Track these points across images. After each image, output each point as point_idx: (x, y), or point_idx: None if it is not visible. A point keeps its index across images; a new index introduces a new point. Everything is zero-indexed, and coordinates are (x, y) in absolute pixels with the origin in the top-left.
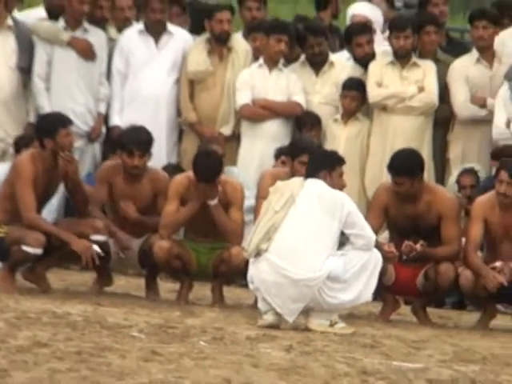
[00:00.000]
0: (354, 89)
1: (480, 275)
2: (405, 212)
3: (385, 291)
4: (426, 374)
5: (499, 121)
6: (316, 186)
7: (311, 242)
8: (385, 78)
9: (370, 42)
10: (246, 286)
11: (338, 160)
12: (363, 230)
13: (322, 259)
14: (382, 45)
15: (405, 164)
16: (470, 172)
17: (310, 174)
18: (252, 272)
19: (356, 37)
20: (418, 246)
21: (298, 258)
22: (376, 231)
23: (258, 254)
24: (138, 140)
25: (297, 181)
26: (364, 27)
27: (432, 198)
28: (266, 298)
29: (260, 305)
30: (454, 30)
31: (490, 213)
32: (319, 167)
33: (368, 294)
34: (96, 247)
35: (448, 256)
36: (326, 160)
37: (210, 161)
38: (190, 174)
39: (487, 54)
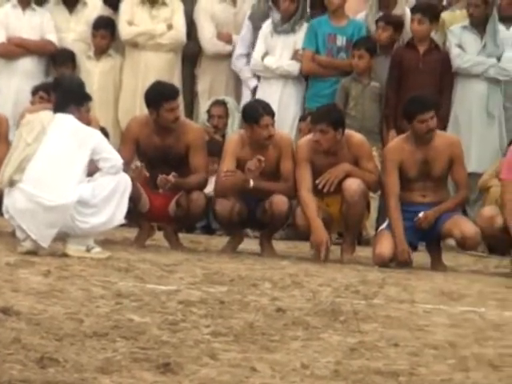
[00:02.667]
0: (103, 27)
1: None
2: (155, 144)
3: (140, 218)
4: (177, 296)
5: (256, 54)
6: (66, 120)
7: (62, 171)
8: (135, 17)
9: None
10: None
11: (85, 96)
12: (110, 154)
13: (73, 186)
14: None
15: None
16: (221, 103)
17: (59, 108)
18: (7, 202)
19: None
20: (171, 178)
21: (50, 186)
22: (128, 161)
23: (12, 184)
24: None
25: (47, 114)
26: None
27: (181, 130)
28: (22, 226)
29: (18, 233)
30: None
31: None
32: (68, 102)
33: (120, 217)
34: None
35: (196, 184)
36: (75, 96)
37: None
38: None
39: None
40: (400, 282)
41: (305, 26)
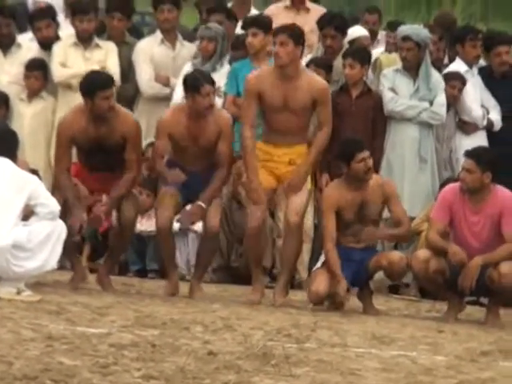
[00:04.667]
0: (36, 69)
1: None
2: (90, 135)
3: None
4: (108, 339)
5: (176, 95)
6: (3, 164)
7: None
8: (69, 59)
9: (50, 25)
10: None
11: (17, 143)
12: (48, 200)
13: (8, 230)
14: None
15: None
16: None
17: None
18: None
19: (36, 22)
20: (103, 207)
21: None
22: (68, 168)
23: None
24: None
25: None
26: (44, 12)
27: (117, 119)
28: None
29: None
30: (137, 14)
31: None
32: (3, 148)
33: (53, 262)
34: None
35: (126, 190)
36: (8, 143)
37: None
38: None
39: (170, 35)
40: (332, 325)
41: (226, 65)
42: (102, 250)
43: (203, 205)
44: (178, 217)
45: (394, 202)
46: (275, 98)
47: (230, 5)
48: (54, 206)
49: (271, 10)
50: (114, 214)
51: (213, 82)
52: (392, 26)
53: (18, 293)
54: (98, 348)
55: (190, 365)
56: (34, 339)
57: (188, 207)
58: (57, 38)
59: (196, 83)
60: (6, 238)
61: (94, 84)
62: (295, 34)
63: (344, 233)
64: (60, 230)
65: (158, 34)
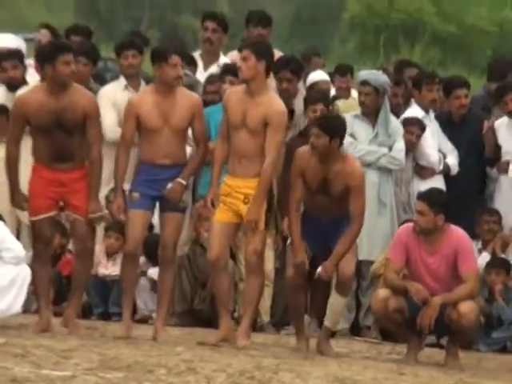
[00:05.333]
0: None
1: None
2: (49, 108)
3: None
4: (73, 382)
5: None
6: None
7: None
8: None
9: (17, 67)
10: None
11: None
12: (13, 244)
13: None
14: None
15: None
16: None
17: None
18: None
19: (3, 62)
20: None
21: None
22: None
23: None
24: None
25: None
26: (11, 53)
27: (76, 93)
28: None
29: None
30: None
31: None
32: None
33: (18, 306)
34: None
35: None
36: None
37: None
38: None
39: (134, 81)
40: (294, 368)
41: None
42: (66, 294)
43: (183, 182)
44: (165, 192)
45: (354, 196)
46: (236, 115)
47: (197, 52)
48: (19, 250)
49: (232, 56)
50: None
51: (181, 55)
52: (340, 71)
53: None
54: None
55: None
56: None
57: (169, 185)
58: (24, 81)
59: (164, 53)
60: None
61: (54, 48)
62: (258, 49)
63: (311, 202)
64: (25, 274)
65: (122, 80)
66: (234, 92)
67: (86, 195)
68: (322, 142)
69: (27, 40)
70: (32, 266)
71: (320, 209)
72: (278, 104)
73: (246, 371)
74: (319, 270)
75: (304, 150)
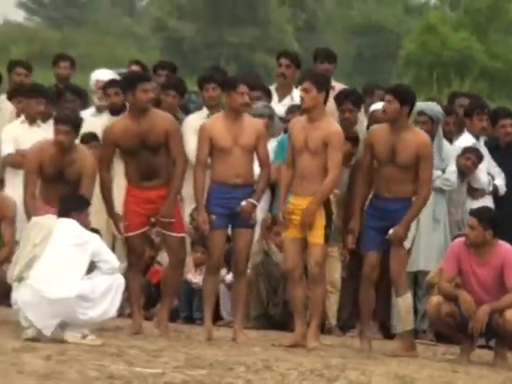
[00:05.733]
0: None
1: None
2: (133, 131)
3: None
4: (162, 378)
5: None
6: (68, 224)
7: (65, 270)
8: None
9: None
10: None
11: (85, 203)
12: (109, 257)
13: (74, 283)
14: None
15: None
16: None
17: (62, 214)
18: (15, 295)
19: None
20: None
21: (54, 282)
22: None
23: (20, 280)
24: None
25: (52, 218)
26: None
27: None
28: (27, 316)
29: (22, 322)
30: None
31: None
32: (70, 209)
33: (113, 311)
34: None
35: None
36: (76, 203)
37: None
38: None
39: (214, 111)
40: (359, 366)
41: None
42: (155, 300)
43: (255, 202)
44: (239, 209)
45: (423, 163)
46: (299, 140)
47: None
48: (114, 262)
49: None
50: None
51: (250, 86)
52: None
53: (83, 337)
54: None
55: None
56: (98, 378)
57: (243, 203)
58: (124, 107)
59: (233, 82)
60: (73, 290)
61: (134, 78)
62: (318, 81)
63: (379, 175)
64: (119, 283)
65: (205, 110)
66: (297, 121)
67: (175, 211)
68: (392, 108)
69: (120, 74)
70: (126, 275)
71: (387, 182)
72: (336, 126)
73: (316, 369)
74: (391, 231)
75: (376, 126)
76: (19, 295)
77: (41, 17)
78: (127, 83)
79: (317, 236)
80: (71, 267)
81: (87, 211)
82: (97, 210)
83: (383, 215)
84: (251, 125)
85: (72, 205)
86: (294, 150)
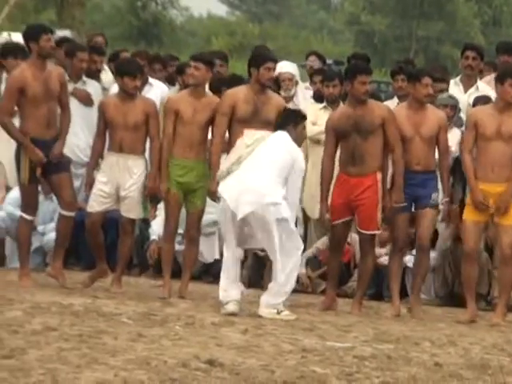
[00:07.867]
0: None
1: None
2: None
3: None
4: (352, 352)
5: None
6: (282, 136)
7: (267, 173)
8: (318, 119)
9: None
10: (211, 282)
11: (302, 117)
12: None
13: (276, 189)
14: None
15: None
16: None
17: (279, 126)
18: (221, 187)
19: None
20: None
21: (257, 180)
22: None
23: (229, 173)
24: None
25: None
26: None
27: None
28: (226, 200)
29: (221, 297)
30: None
31: None
32: (287, 121)
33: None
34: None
35: None
36: (293, 116)
37: None
38: None
39: (403, 99)
40: None
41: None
42: (346, 279)
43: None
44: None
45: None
46: (490, 128)
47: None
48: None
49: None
50: None
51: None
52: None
53: (278, 313)
54: (344, 359)
55: (420, 374)
56: (292, 351)
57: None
58: None
59: (418, 74)
60: (270, 192)
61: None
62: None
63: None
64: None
65: (395, 99)
66: (480, 110)
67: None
68: None
69: (302, 66)
70: (329, 258)
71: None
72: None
73: (498, 344)
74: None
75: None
76: (224, 185)
77: (242, 11)
78: (348, 74)
79: (510, 218)
80: (274, 175)
81: (303, 124)
82: None
83: None
84: (433, 115)
85: (289, 117)
86: (483, 137)
